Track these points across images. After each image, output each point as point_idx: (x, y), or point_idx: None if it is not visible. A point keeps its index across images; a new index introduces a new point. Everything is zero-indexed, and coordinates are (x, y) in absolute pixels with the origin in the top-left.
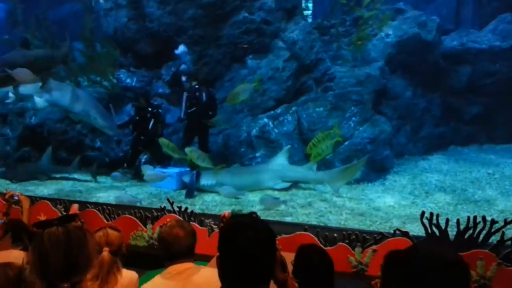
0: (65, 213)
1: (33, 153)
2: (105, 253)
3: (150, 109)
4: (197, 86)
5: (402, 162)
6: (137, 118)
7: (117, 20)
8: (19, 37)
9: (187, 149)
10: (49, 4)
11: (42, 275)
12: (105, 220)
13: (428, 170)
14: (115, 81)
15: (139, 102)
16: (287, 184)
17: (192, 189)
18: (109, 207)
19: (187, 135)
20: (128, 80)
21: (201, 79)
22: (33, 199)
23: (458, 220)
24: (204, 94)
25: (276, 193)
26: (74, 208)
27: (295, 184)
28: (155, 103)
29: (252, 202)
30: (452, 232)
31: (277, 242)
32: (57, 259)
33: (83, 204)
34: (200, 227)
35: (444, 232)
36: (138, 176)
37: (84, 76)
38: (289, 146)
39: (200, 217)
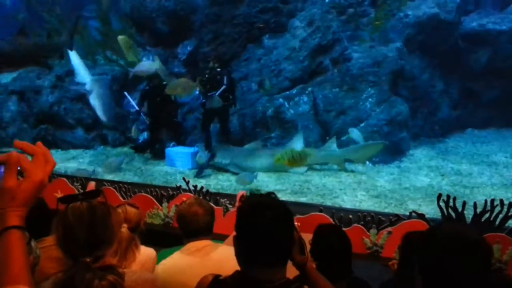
0: (82, 191)
1: (50, 131)
2: (124, 229)
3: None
4: (218, 69)
5: (418, 144)
6: (157, 99)
7: None
8: (19, 24)
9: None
10: None
11: (65, 249)
12: (121, 198)
13: (445, 152)
14: (136, 60)
15: (152, 82)
16: (304, 168)
17: (203, 169)
18: (125, 185)
19: (206, 117)
20: (144, 59)
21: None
22: (50, 176)
23: (475, 203)
24: (225, 78)
25: (290, 174)
26: (91, 185)
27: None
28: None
29: (267, 183)
30: (468, 215)
31: (297, 223)
32: (81, 233)
33: (100, 182)
34: (215, 207)
35: (460, 214)
36: (157, 155)
37: (101, 54)
38: (301, 130)
39: (215, 197)
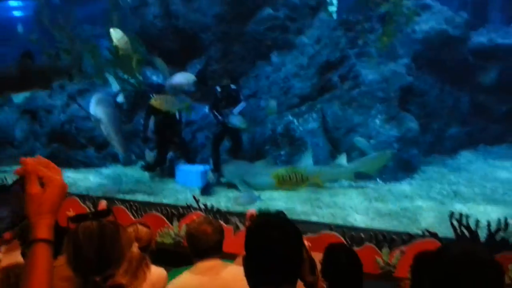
0: (93, 209)
1: (62, 150)
2: (134, 248)
3: None
4: (233, 86)
5: (429, 161)
6: (159, 117)
7: (144, 17)
8: (24, 48)
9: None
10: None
11: (75, 267)
12: (132, 217)
13: (457, 169)
14: (141, 78)
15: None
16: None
17: (209, 187)
18: (136, 204)
19: (221, 136)
20: (154, 77)
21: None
22: None
23: (488, 222)
24: (240, 95)
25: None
26: (103, 204)
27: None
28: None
29: (277, 201)
30: (482, 233)
31: (307, 243)
32: (90, 253)
33: (111, 201)
34: (225, 225)
35: (474, 233)
36: (166, 173)
37: (112, 73)
38: (310, 148)
39: (226, 215)
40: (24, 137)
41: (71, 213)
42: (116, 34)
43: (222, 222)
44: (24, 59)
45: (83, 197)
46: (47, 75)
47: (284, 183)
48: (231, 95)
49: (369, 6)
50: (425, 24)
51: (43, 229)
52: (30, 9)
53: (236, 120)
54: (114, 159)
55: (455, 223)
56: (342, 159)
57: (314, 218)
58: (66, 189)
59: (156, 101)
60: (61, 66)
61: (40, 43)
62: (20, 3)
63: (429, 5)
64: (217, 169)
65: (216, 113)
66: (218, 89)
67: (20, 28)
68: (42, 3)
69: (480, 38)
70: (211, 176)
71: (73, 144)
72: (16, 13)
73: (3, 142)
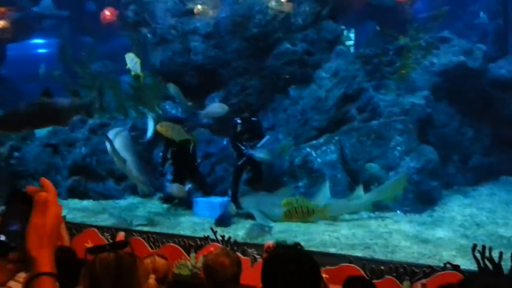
0: (111, 241)
1: (82, 183)
2: (151, 280)
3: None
4: (254, 119)
5: (450, 193)
6: (174, 149)
7: (164, 53)
8: (44, 86)
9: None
10: (98, 39)
11: None
12: (149, 248)
13: (479, 201)
14: (161, 112)
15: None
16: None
17: (225, 218)
18: (154, 235)
19: (242, 169)
20: (174, 111)
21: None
22: (81, 226)
23: None
24: (262, 127)
25: (319, 224)
26: (121, 235)
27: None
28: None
29: (295, 232)
30: (506, 266)
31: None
32: (107, 284)
33: (129, 232)
34: (243, 257)
35: (497, 266)
36: (184, 205)
37: (132, 108)
38: (328, 180)
39: (243, 246)
40: (46, 170)
41: (89, 244)
42: (129, 58)
43: (239, 254)
44: (42, 97)
45: (102, 229)
46: (65, 112)
47: (291, 217)
48: (253, 128)
49: (387, 39)
50: (444, 57)
51: (46, 263)
52: (53, 46)
53: (262, 153)
54: (133, 191)
55: (477, 255)
56: (359, 191)
57: (332, 250)
58: (62, 221)
59: (162, 127)
60: (79, 103)
61: (63, 79)
62: (43, 41)
63: (447, 38)
64: (235, 201)
65: (240, 145)
66: (238, 121)
67: (42, 66)
68: (65, 41)
69: (499, 70)
70: (232, 207)
71: (93, 176)
72: (40, 50)
73: (25, 175)
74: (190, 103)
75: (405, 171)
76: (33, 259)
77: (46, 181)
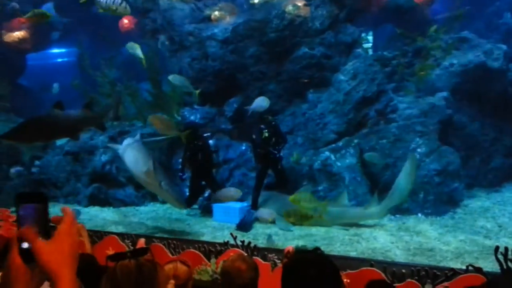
0: (132, 247)
1: (103, 190)
2: (170, 285)
3: (196, 142)
4: (274, 122)
5: (472, 195)
6: (188, 153)
7: (182, 60)
8: (28, 111)
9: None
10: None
11: None
12: (170, 254)
13: (501, 202)
14: (179, 118)
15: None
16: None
17: (247, 224)
18: (174, 242)
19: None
20: (192, 117)
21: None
22: (102, 234)
23: None
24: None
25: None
26: (141, 242)
27: None
28: (204, 135)
29: (315, 236)
30: None
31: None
32: None
33: (149, 239)
34: (263, 262)
35: None
36: (204, 210)
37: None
38: (345, 191)
39: (263, 252)
40: (66, 178)
41: (110, 251)
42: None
43: (259, 259)
44: (53, 109)
45: (122, 236)
46: (76, 125)
47: (290, 217)
48: (277, 132)
49: (406, 41)
50: (464, 57)
51: (68, 282)
52: (72, 55)
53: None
54: (153, 197)
55: (500, 257)
56: (373, 200)
57: (353, 254)
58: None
59: (153, 119)
60: (91, 115)
61: (82, 87)
62: (63, 50)
63: (467, 38)
64: (255, 207)
65: (272, 150)
66: (263, 126)
67: (55, 87)
68: (84, 50)
69: None
70: (252, 212)
71: (114, 184)
72: (60, 60)
73: (47, 183)
74: (198, 91)
75: (426, 174)
76: (56, 277)
77: (65, 210)
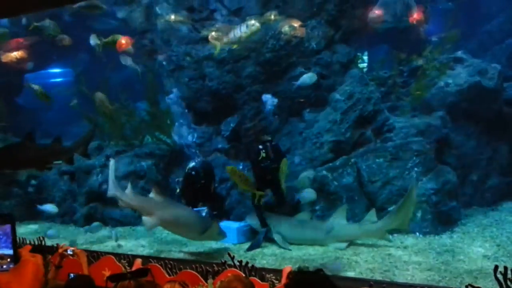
0: (128, 268)
1: (99, 209)
2: None
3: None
4: (269, 143)
5: (470, 213)
6: (193, 173)
7: (179, 79)
8: (25, 131)
9: None
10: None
11: None
12: (167, 275)
13: (499, 221)
14: (176, 138)
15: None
16: (343, 245)
17: (256, 245)
18: (171, 262)
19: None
20: (189, 137)
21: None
22: (98, 254)
23: None
24: (281, 149)
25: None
26: (138, 262)
27: None
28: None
29: (313, 256)
30: None
31: None
32: None
33: (146, 259)
34: (261, 282)
35: None
36: None
37: (149, 134)
38: (345, 205)
39: (261, 272)
40: (63, 197)
41: (107, 272)
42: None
43: (257, 279)
44: (24, 140)
45: (119, 256)
46: (44, 157)
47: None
48: (275, 152)
49: (401, 61)
50: (458, 77)
51: None
52: (70, 75)
53: (311, 194)
54: None
55: (500, 277)
56: (372, 217)
57: (351, 274)
58: None
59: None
60: (59, 149)
61: (80, 108)
62: (60, 70)
63: (461, 58)
64: (264, 224)
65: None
66: (261, 147)
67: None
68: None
69: None
70: (263, 231)
71: (110, 203)
72: (57, 80)
73: (43, 203)
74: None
75: (424, 193)
76: None
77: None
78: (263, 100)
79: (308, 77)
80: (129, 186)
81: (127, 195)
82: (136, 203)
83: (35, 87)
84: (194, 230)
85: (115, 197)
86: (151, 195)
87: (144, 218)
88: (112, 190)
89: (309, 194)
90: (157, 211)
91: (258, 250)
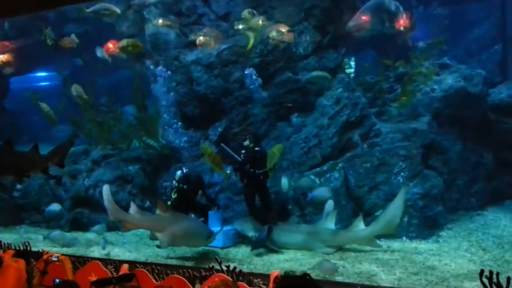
0: (115, 273)
1: (86, 214)
2: None
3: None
4: (257, 148)
5: (456, 218)
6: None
7: (167, 84)
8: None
9: None
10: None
11: None
12: (154, 280)
13: (484, 226)
14: (164, 142)
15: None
16: (331, 250)
17: (260, 243)
18: (158, 267)
19: (250, 197)
20: (177, 141)
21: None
22: (85, 259)
23: None
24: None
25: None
26: (124, 268)
27: None
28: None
29: (301, 261)
30: None
31: None
32: None
33: (133, 264)
34: (248, 287)
35: None
36: None
37: (136, 139)
38: (334, 211)
39: (249, 277)
40: (49, 202)
41: (93, 278)
42: None
43: (244, 284)
44: (3, 146)
45: (105, 261)
46: (21, 166)
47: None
48: (255, 158)
49: (387, 67)
50: (444, 83)
51: None
52: (57, 79)
53: (326, 192)
54: None
55: (485, 281)
56: (359, 223)
57: (339, 278)
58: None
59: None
60: (37, 157)
61: (66, 112)
62: (47, 73)
63: (447, 64)
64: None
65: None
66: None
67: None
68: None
69: (500, 94)
70: (265, 230)
71: (96, 208)
72: (43, 83)
73: (28, 208)
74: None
75: (410, 198)
76: None
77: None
78: (245, 72)
79: (323, 191)
80: (132, 205)
81: (133, 216)
82: (145, 222)
83: (44, 106)
84: (202, 239)
85: (118, 221)
86: (157, 211)
87: (159, 236)
88: (113, 215)
89: (323, 192)
90: (168, 226)
91: (248, 255)
